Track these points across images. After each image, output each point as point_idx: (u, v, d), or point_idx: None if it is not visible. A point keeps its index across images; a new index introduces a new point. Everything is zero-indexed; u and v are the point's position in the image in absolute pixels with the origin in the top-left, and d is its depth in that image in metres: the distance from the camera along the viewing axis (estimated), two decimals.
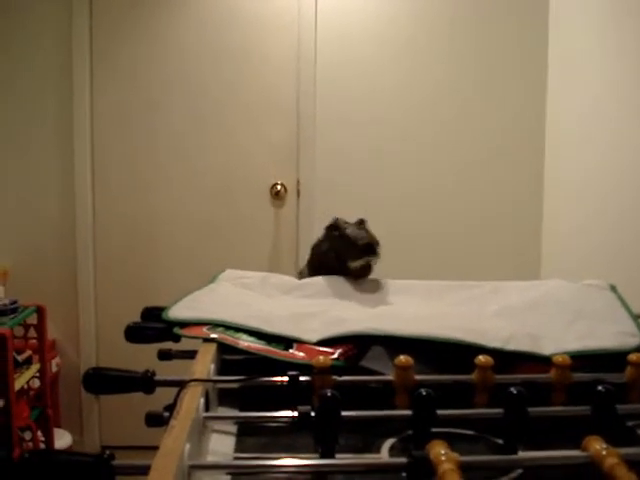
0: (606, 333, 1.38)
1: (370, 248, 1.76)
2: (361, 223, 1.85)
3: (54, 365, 3.46)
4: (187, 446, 0.87)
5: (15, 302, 3.02)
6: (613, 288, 1.66)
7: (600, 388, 1.08)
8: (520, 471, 0.97)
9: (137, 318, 1.60)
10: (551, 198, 3.42)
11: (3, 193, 3.53)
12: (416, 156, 3.56)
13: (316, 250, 1.92)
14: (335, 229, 1.83)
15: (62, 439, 3.38)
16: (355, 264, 1.76)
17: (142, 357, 1.56)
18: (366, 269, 1.78)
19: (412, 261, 3.52)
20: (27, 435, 3.03)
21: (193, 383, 1.09)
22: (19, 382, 2.91)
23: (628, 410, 1.16)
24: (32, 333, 3.20)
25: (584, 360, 1.29)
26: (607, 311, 1.52)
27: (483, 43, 3.51)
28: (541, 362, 1.28)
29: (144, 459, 0.84)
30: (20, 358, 3.06)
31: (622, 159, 2.61)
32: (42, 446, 3.13)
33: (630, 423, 1.17)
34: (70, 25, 3.45)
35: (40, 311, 3.16)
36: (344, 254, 1.78)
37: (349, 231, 1.80)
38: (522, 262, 3.50)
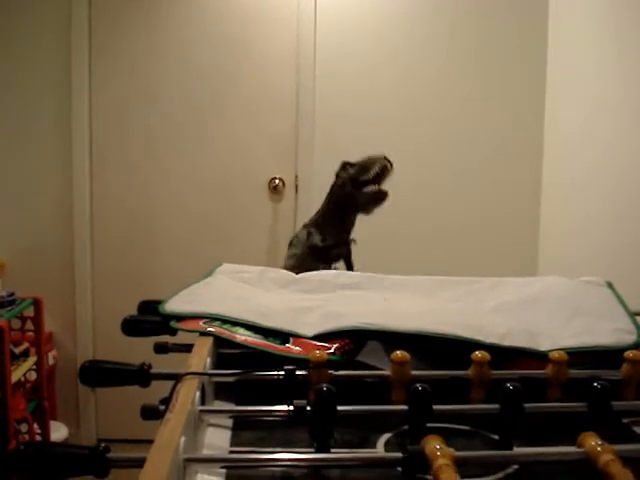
0: (603, 330, 1.38)
1: (384, 168, 1.94)
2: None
3: (51, 358, 3.46)
4: (182, 439, 0.87)
5: (12, 294, 3.02)
6: (610, 285, 1.66)
7: (596, 385, 1.08)
8: (515, 467, 0.97)
9: (134, 311, 1.60)
10: (549, 198, 3.43)
11: (1, 185, 3.53)
12: (414, 153, 3.56)
13: (334, 195, 2.07)
14: (347, 164, 1.91)
15: (58, 432, 3.38)
16: (374, 169, 1.83)
17: (139, 350, 1.56)
18: (381, 195, 1.97)
19: (410, 259, 3.52)
20: (23, 427, 3.03)
21: (189, 376, 1.09)
22: (16, 374, 2.91)
23: (624, 407, 1.16)
24: (29, 325, 3.21)
25: (581, 357, 1.29)
26: (604, 308, 1.52)
27: (482, 41, 3.51)
28: (538, 358, 1.28)
29: (140, 452, 0.84)
30: (17, 350, 3.06)
31: (620, 160, 2.61)
32: (38, 438, 3.13)
33: (626, 420, 1.17)
34: (70, 17, 3.44)
35: (37, 303, 3.16)
36: (360, 173, 1.84)
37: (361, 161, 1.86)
38: (519, 262, 3.51)
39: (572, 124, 3.14)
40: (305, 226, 2.08)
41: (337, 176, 1.99)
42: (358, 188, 1.88)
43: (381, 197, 1.90)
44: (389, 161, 1.92)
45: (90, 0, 3.46)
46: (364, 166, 1.91)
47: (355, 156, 3.50)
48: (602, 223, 2.74)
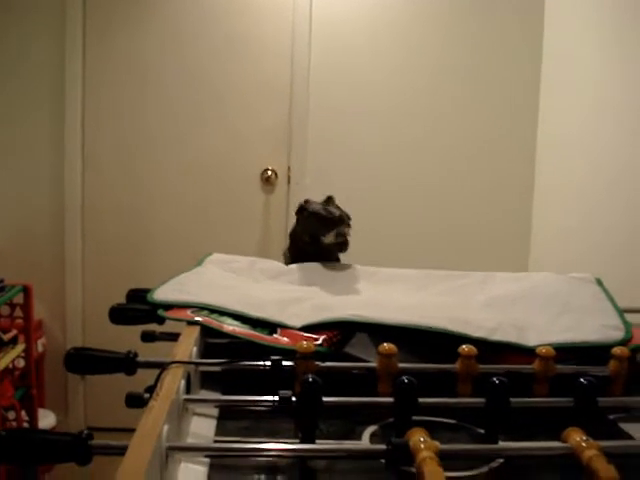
0: (591, 326, 1.38)
1: (340, 220, 1.77)
2: (329, 200, 1.86)
3: (40, 345, 3.45)
4: (165, 427, 0.86)
5: (1, 281, 3.01)
6: (599, 282, 1.66)
7: (582, 380, 1.08)
8: (500, 461, 0.97)
9: (124, 300, 1.59)
10: (541, 199, 3.43)
11: None
12: (407, 148, 3.55)
13: (292, 236, 1.92)
14: (304, 210, 1.84)
15: (46, 419, 3.37)
16: (329, 238, 1.77)
17: (129, 339, 1.55)
18: (342, 243, 1.79)
19: (400, 254, 3.51)
20: (11, 415, 3.02)
21: (174, 365, 1.09)
22: (4, 361, 2.90)
23: (610, 403, 1.17)
24: (18, 313, 3.19)
25: (568, 352, 1.30)
26: (593, 304, 1.52)
27: (477, 39, 3.50)
28: (525, 353, 1.28)
29: (127, 441, 0.84)
30: (5, 337, 3.05)
31: (613, 162, 2.61)
32: (26, 426, 3.12)
33: (612, 416, 1.17)
34: (64, 11, 3.42)
35: (27, 290, 3.14)
36: (316, 231, 1.79)
37: (317, 208, 1.80)
38: (510, 262, 3.50)
39: (566, 124, 3.13)
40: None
41: (296, 222, 1.91)
42: (314, 239, 1.80)
43: (339, 247, 1.81)
44: (346, 213, 1.83)
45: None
46: (319, 215, 1.80)
47: (346, 147, 3.53)
48: (593, 224, 2.74)
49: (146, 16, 3.49)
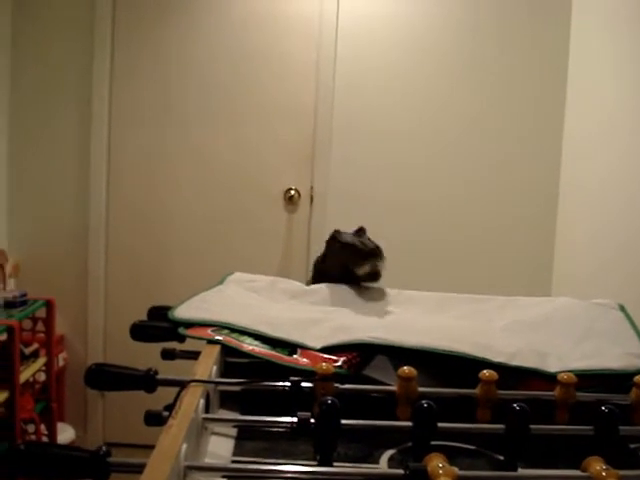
0: (613, 353, 1.37)
1: (375, 252, 1.77)
2: (360, 231, 1.85)
3: (61, 359, 3.47)
4: (184, 446, 0.86)
5: (24, 295, 3.03)
6: (622, 308, 1.65)
7: (603, 408, 1.07)
8: None
9: (145, 316, 1.60)
10: (566, 208, 3.40)
11: (19, 188, 3.55)
12: (429, 166, 3.55)
13: (320, 266, 1.92)
14: (337, 240, 1.83)
15: (65, 433, 3.38)
16: (363, 270, 1.76)
17: (149, 356, 1.56)
18: (375, 274, 1.78)
19: (423, 270, 3.51)
20: (30, 428, 3.04)
21: (194, 384, 1.09)
22: (25, 375, 2.92)
23: (631, 432, 1.15)
24: (40, 327, 3.21)
25: (589, 380, 1.28)
26: (615, 331, 1.51)
27: (503, 46, 3.49)
28: (546, 379, 1.27)
29: (144, 457, 0.84)
30: (27, 351, 3.07)
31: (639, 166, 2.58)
32: (45, 439, 3.13)
33: (632, 445, 1.16)
34: (92, 25, 3.47)
35: (49, 305, 3.17)
36: (350, 263, 1.78)
37: (351, 239, 1.80)
38: (534, 272, 3.49)
39: (591, 132, 3.10)
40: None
41: (325, 252, 1.90)
42: (346, 270, 1.79)
43: (372, 278, 1.80)
44: (378, 246, 1.81)
45: (114, 5, 3.49)
46: (354, 247, 1.79)
47: (369, 167, 3.53)
48: (620, 233, 2.70)
49: (171, 36, 3.52)
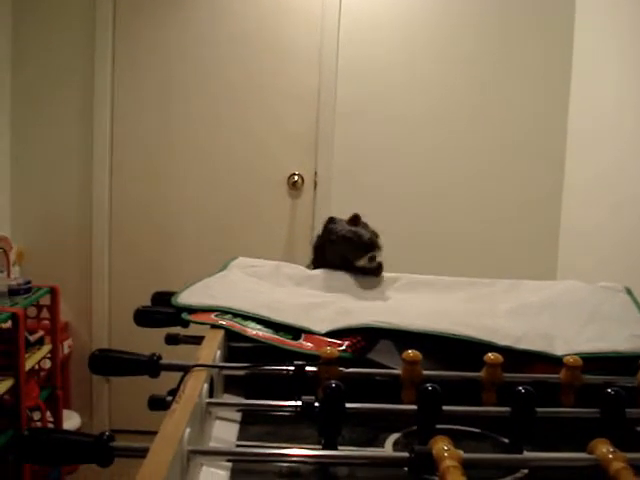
0: (619, 336, 1.36)
1: (371, 243, 1.75)
2: (355, 219, 1.83)
3: (66, 347, 3.47)
4: (187, 431, 0.86)
5: (29, 282, 3.03)
6: (629, 291, 1.64)
7: (610, 391, 1.06)
8: (525, 471, 0.96)
9: (149, 302, 1.60)
10: (570, 196, 3.39)
11: (22, 175, 3.55)
12: (433, 152, 3.54)
13: (319, 253, 1.91)
14: (331, 233, 1.81)
15: (71, 420, 3.39)
16: (362, 261, 1.75)
17: (154, 341, 1.56)
18: (376, 266, 1.77)
19: (427, 257, 3.51)
20: (36, 415, 3.04)
21: (197, 368, 1.08)
22: (30, 362, 2.92)
23: (638, 414, 1.14)
24: (45, 314, 3.21)
25: (596, 362, 1.28)
26: (621, 314, 1.50)
27: (506, 41, 3.48)
28: (552, 362, 1.26)
29: (149, 443, 0.83)
30: (32, 338, 3.07)
31: None
32: (51, 427, 3.14)
33: (639, 428, 1.15)
34: (94, 17, 3.46)
35: (54, 292, 3.16)
36: (348, 255, 1.77)
37: (346, 232, 1.78)
38: (539, 260, 3.48)
39: (595, 124, 3.10)
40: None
41: (322, 241, 1.88)
42: (346, 261, 1.78)
43: (374, 271, 1.78)
44: (376, 234, 1.79)
45: (114, 5, 3.48)
46: (351, 240, 1.77)
47: (373, 153, 3.52)
48: (625, 222, 2.70)
49: (173, 24, 3.50)
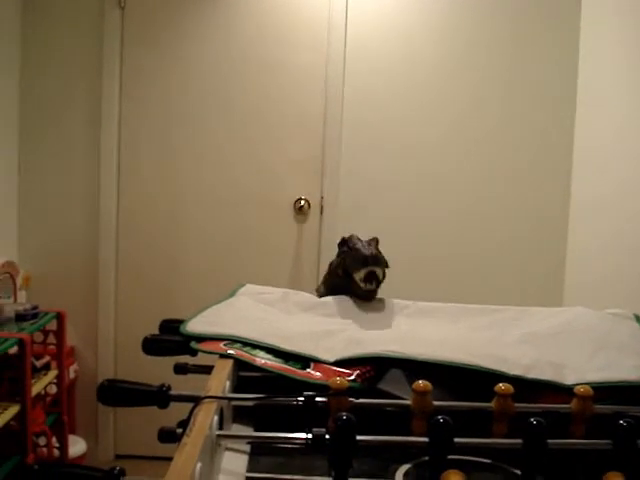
0: (629, 365, 1.35)
1: (373, 259, 1.75)
2: (372, 240, 1.84)
3: (72, 372, 3.47)
4: (198, 465, 0.86)
5: (36, 307, 3.03)
6: (637, 318, 1.63)
7: (622, 422, 1.05)
8: None
9: (156, 329, 1.59)
10: (577, 216, 3.38)
11: (29, 200, 3.56)
12: (440, 177, 3.55)
13: (330, 267, 1.92)
14: (344, 244, 1.83)
15: (77, 446, 3.38)
16: (359, 275, 1.75)
17: (160, 367, 1.56)
18: (371, 280, 1.76)
19: (433, 282, 3.50)
20: (42, 441, 3.03)
21: (207, 400, 1.08)
22: (36, 387, 2.92)
23: None
24: (51, 339, 3.21)
25: (605, 391, 1.27)
26: (630, 341, 1.49)
27: (514, 56, 3.49)
28: (563, 392, 1.25)
29: (157, 470, 0.83)
30: (38, 364, 3.07)
31: None
32: (56, 452, 3.13)
33: None
34: (102, 37, 3.49)
35: (60, 317, 3.17)
36: (350, 267, 1.77)
37: (356, 244, 1.79)
38: (546, 280, 3.47)
39: (602, 142, 3.09)
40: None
41: (336, 255, 1.90)
42: (347, 274, 1.78)
43: (368, 288, 1.78)
44: (382, 256, 1.78)
45: (122, 19, 3.50)
46: (355, 252, 1.78)
47: (379, 178, 3.53)
48: (631, 239, 2.69)
49: (181, 50, 3.53)
